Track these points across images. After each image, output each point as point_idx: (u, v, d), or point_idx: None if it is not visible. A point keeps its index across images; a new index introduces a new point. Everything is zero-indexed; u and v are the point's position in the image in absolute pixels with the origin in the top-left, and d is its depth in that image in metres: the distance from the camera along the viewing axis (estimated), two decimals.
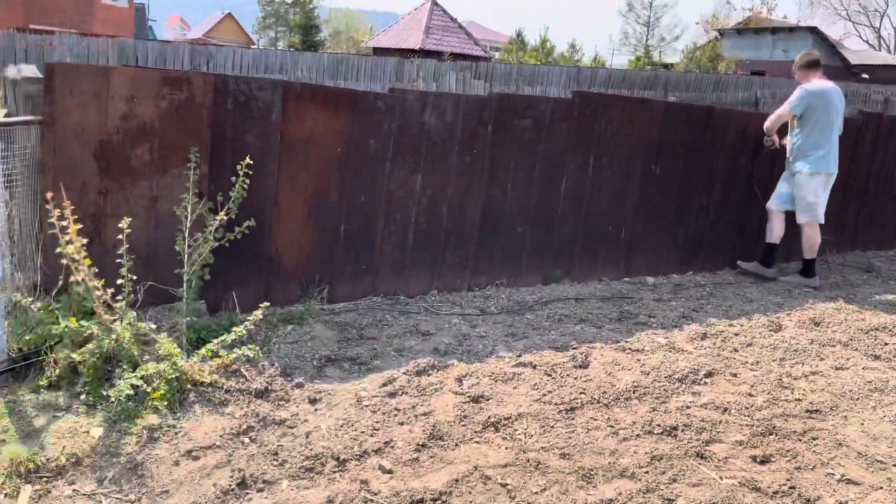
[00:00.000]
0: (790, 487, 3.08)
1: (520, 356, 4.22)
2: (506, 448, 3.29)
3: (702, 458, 3.29)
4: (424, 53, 27.53)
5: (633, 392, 3.86)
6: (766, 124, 6.36)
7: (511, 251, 5.56)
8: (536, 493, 2.96)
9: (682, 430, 3.49)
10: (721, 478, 3.13)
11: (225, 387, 3.51)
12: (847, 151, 6.69)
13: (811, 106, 6.13)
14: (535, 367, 4.09)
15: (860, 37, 56.50)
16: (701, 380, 4.08)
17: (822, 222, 6.29)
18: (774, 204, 6.40)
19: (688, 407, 3.75)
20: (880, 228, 7.98)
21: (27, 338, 3.48)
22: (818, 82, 6.27)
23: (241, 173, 3.98)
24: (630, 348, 4.48)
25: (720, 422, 3.62)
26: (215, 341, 3.67)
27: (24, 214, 3.68)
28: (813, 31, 39.68)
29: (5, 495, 2.72)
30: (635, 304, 5.50)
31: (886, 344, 4.88)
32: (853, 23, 57.75)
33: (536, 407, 3.64)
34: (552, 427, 3.47)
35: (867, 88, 26.20)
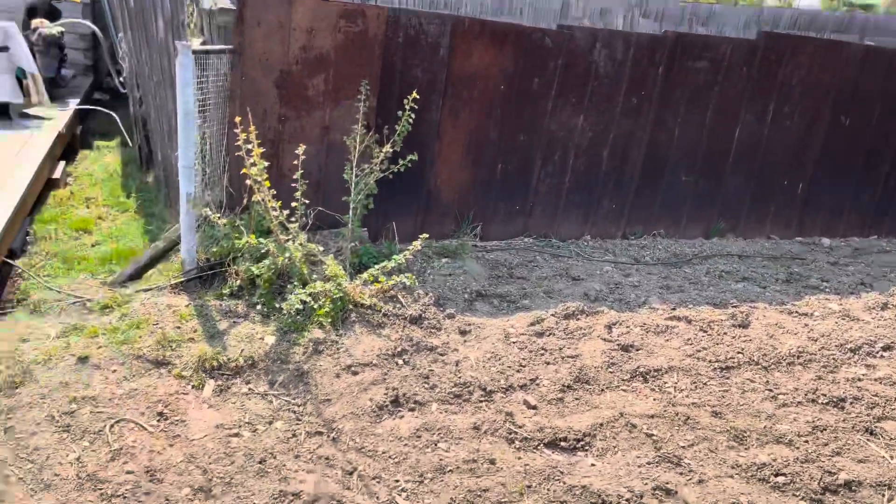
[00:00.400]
0: None
1: (674, 309, 4.09)
2: (653, 399, 3.24)
3: (871, 434, 3.06)
4: None
5: (798, 358, 3.63)
6: None
7: (672, 201, 5.33)
8: (683, 447, 2.91)
9: (851, 403, 3.26)
10: (892, 457, 2.90)
11: (382, 310, 3.70)
12: None
13: None
14: (689, 321, 3.95)
15: None
16: (877, 352, 3.75)
17: None
18: None
19: (859, 379, 3.47)
20: None
21: (214, 250, 3.84)
22: None
23: (407, 107, 4.07)
24: (797, 312, 4.19)
25: None
26: (376, 267, 3.87)
27: (214, 137, 4.01)
28: None
29: (193, 386, 3.07)
30: (807, 265, 5.11)
31: None
32: None
33: (689, 362, 3.54)
34: (704, 384, 3.36)
35: None
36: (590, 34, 4.73)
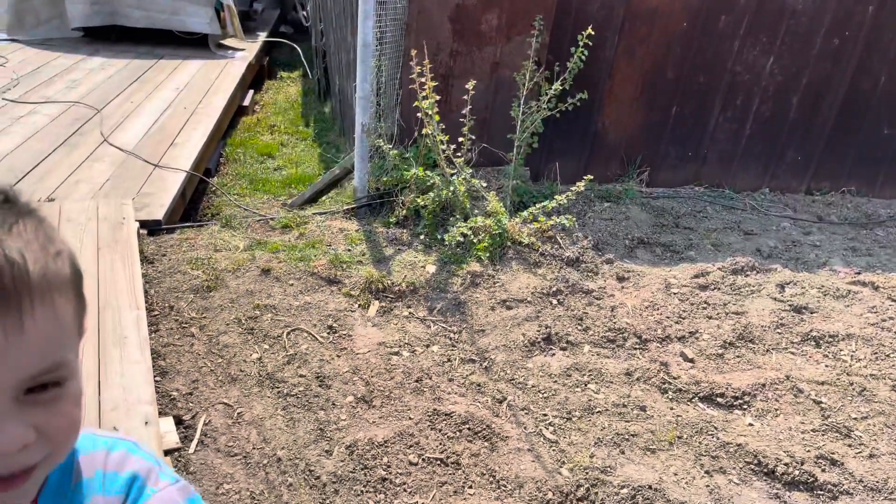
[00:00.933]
0: None
1: (859, 274, 3.75)
2: (825, 366, 3.03)
3: None
4: None
5: None
6: None
7: (869, 155, 4.81)
8: (855, 418, 2.71)
9: None
10: None
11: (540, 250, 3.72)
12: None
13: None
14: (876, 288, 3.60)
15: None
16: None
17: None
18: None
19: None
20: None
21: (384, 179, 4.02)
22: None
23: (581, 44, 3.96)
24: None
25: None
26: (536, 206, 3.87)
27: (388, 70, 4.14)
28: None
29: (359, 305, 3.28)
30: None
31: None
32: None
33: (871, 331, 3.25)
34: (888, 355, 3.08)
35: None
36: None
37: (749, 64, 4.49)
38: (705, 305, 3.42)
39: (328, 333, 3.05)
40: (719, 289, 3.56)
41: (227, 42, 7.47)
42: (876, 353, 3.10)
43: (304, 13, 8.14)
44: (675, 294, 3.51)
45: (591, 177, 3.94)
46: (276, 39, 8.38)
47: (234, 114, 6.09)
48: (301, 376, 2.77)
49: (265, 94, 7.12)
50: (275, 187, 4.64)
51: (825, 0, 4.35)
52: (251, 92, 6.71)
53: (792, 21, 4.38)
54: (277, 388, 2.70)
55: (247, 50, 7.39)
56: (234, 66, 6.76)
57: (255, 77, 7.28)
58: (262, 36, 8.10)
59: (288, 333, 3.01)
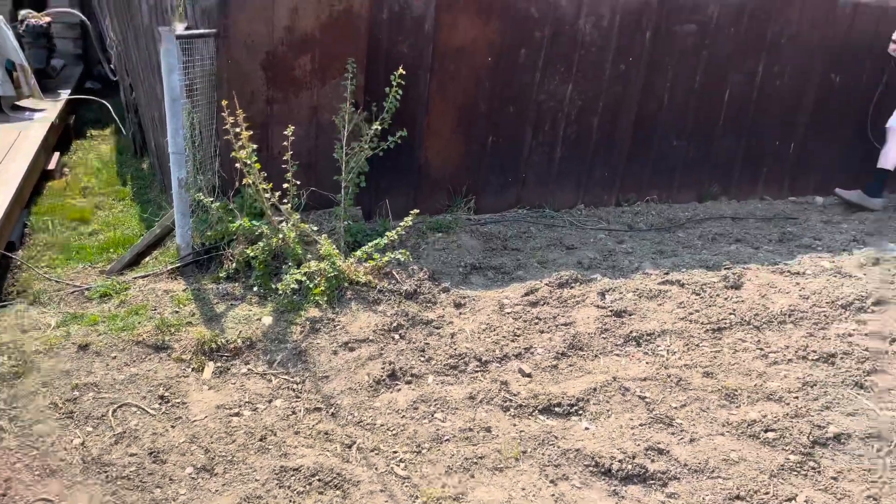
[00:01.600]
0: None
1: (667, 274, 4.12)
2: (646, 363, 3.29)
3: (861, 388, 3.11)
4: None
5: (789, 316, 3.67)
6: None
7: (664, 166, 5.34)
8: (676, 407, 2.96)
9: (841, 359, 3.30)
10: (880, 409, 2.96)
11: (378, 287, 3.75)
12: None
13: None
14: (682, 285, 3.98)
15: None
16: (868, 307, 3.78)
17: None
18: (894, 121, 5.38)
19: (850, 335, 3.52)
20: None
21: (209, 234, 3.88)
22: None
23: (394, 84, 4.08)
24: (789, 271, 4.22)
25: (886, 352, 3.37)
26: (370, 245, 3.90)
27: (203, 122, 4.02)
28: None
29: (193, 369, 3.13)
30: (800, 225, 5.13)
31: None
32: None
33: (681, 325, 3.58)
34: (697, 346, 3.41)
35: None
36: (575, 2, 4.70)
37: (551, 92, 4.85)
38: (537, 321, 3.60)
39: (160, 404, 2.87)
40: (548, 303, 3.77)
41: (24, 103, 6.90)
42: (687, 344, 3.42)
43: (111, 67, 7.73)
44: (508, 314, 3.67)
45: (418, 210, 4.05)
46: (82, 97, 7.87)
47: (39, 179, 5.63)
48: (132, 455, 2.58)
49: (74, 156, 6.65)
50: (91, 254, 4.33)
51: (609, 29, 4.80)
52: (57, 154, 6.23)
53: (583, 51, 4.80)
54: (105, 472, 2.49)
55: (48, 110, 6.86)
56: (34, 128, 6.26)
57: (61, 138, 6.77)
58: (65, 94, 7.57)
59: (114, 411, 2.80)
